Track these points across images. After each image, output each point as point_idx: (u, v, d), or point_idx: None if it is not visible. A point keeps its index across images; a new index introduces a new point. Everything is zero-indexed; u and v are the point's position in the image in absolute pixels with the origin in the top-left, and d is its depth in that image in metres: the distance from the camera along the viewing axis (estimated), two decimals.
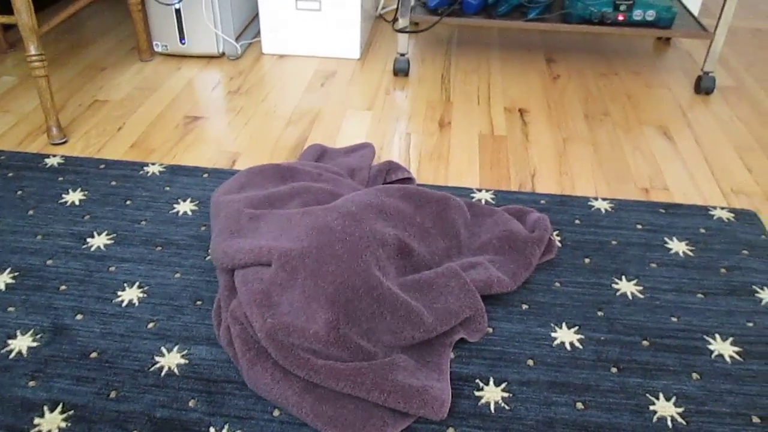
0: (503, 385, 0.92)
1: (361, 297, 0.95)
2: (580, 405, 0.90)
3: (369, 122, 1.63)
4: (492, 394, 0.91)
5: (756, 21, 2.38)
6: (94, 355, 0.95)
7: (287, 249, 1.00)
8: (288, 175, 1.26)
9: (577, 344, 1.00)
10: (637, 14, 1.74)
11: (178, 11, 1.84)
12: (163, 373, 0.93)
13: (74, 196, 1.30)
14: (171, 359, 0.95)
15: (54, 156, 1.43)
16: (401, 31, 1.80)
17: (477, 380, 0.93)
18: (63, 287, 1.08)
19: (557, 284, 1.11)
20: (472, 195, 1.33)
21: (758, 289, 1.11)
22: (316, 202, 1.17)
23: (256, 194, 1.17)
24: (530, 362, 0.96)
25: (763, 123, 1.67)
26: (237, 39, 1.95)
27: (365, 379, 0.86)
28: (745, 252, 1.19)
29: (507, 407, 0.89)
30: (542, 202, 1.32)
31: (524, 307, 1.06)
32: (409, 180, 1.35)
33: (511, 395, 0.91)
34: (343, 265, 0.97)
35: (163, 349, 0.97)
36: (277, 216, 1.13)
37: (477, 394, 0.91)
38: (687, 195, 1.37)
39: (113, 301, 1.05)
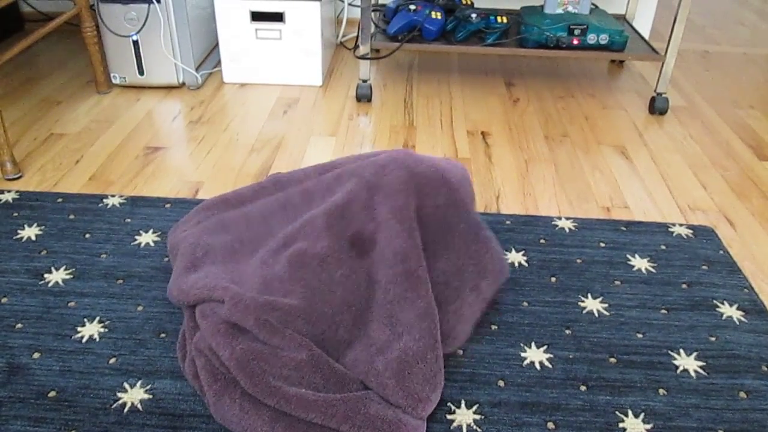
0: (475, 407, 0.92)
1: (324, 340, 0.94)
2: (551, 425, 0.90)
3: (333, 148, 1.63)
4: (464, 416, 0.91)
5: (703, 44, 2.48)
6: (52, 394, 0.92)
7: (237, 292, 0.97)
8: (234, 198, 1.25)
9: (547, 363, 1.00)
10: (591, 38, 1.79)
11: (135, 42, 1.83)
12: (126, 410, 0.90)
13: (30, 232, 1.27)
14: (134, 395, 0.92)
15: (8, 191, 1.39)
16: (362, 57, 1.82)
17: (449, 403, 0.92)
18: (19, 325, 1.04)
19: (525, 304, 1.12)
20: None
21: (718, 304, 1.13)
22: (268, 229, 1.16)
23: (209, 224, 1.16)
24: (501, 383, 0.96)
25: (714, 141, 1.73)
26: (197, 69, 1.94)
27: (336, 411, 0.85)
28: (704, 267, 1.22)
29: (479, 430, 0.89)
30: (507, 222, 1.33)
31: (493, 327, 1.06)
32: None
33: (482, 417, 0.90)
34: (302, 311, 0.96)
35: (126, 385, 0.94)
36: (230, 253, 1.11)
37: (449, 417, 0.90)
38: (647, 213, 1.40)
39: (72, 337, 1.02)
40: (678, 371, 0.99)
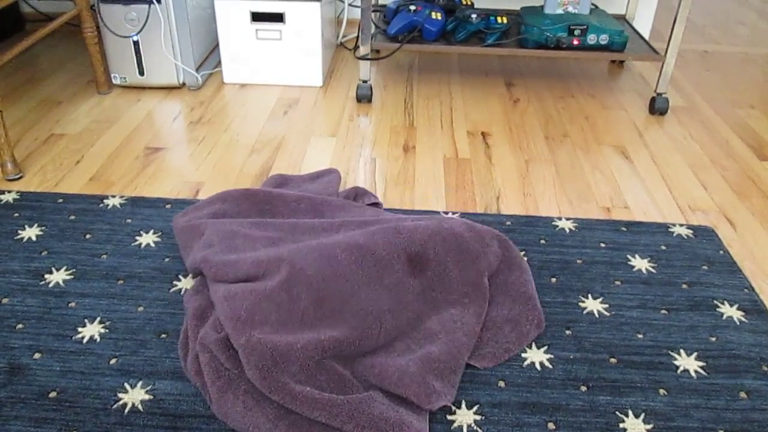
0: (475, 408, 0.92)
1: (355, 340, 0.95)
2: (551, 425, 0.90)
3: (333, 148, 1.63)
4: (464, 417, 0.91)
5: (703, 44, 2.47)
6: (53, 394, 0.92)
7: (295, 270, 0.99)
8: (265, 206, 1.25)
9: (547, 364, 1.00)
10: (591, 39, 1.79)
11: (136, 43, 1.83)
12: (126, 411, 0.90)
13: (31, 232, 1.27)
14: (135, 395, 0.92)
15: (9, 192, 1.39)
16: (363, 58, 1.82)
17: (450, 404, 0.92)
18: (20, 326, 1.04)
19: None
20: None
21: (719, 304, 1.13)
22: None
23: (250, 232, 1.16)
24: (501, 383, 0.96)
25: (714, 141, 1.73)
26: (197, 69, 1.94)
27: (340, 410, 0.85)
28: (704, 267, 1.22)
29: (480, 430, 0.89)
30: (508, 223, 1.33)
31: None
32: (376, 205, 1.35)
33: (483, 418, 0.91)
34: (344, 304, 0.97)
35: (127, 386, 0.94)
36: (276, 242, 1.12)
37: (450, 418, 0.91)
38: (647, 213, 1.40)
39: (73, 337, 1.02)
40: (678, 371, 0.99)
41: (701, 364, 1.01)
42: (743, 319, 1.10)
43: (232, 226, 1.14)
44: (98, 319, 1.06)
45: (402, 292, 1.03)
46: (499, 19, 1.87)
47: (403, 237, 1.08)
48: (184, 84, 1.94)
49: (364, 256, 1.03)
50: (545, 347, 1.03)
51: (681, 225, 1.35)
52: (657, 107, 1.85)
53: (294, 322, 0.94)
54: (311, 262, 1.01)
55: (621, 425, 0.90)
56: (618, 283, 1.18)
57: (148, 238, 1.25)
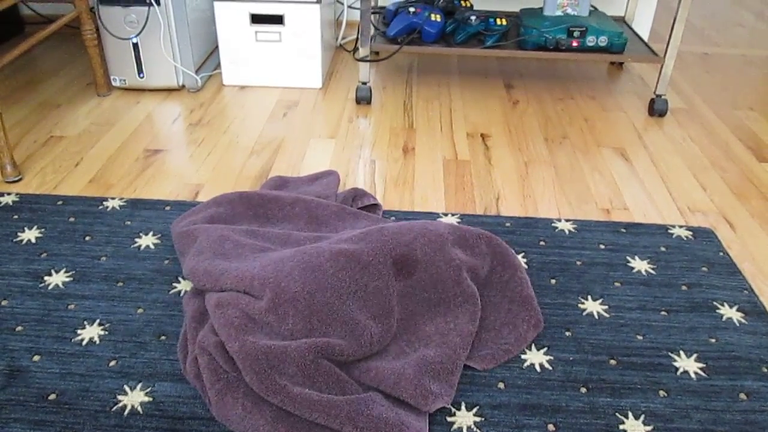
0: (475, 410, 0.92)
1: (346, 348, 0.95)
2: (551, 427, 0.90)
3: (333, 150, 1.63)
4: (464, 419, 0.91)
5: (702, 46, 2.48)
6: (52, 397, 0.92)
7: (279, 289, 0.98)
8: (260, 209, 1.25)
9: (547, 365, 1.00)
10: (590, 40, 1.80)
11: (135, 45, 1.83)
12: (126, 413, 0.90)
13: (30, 234, 1.27)
14: (134, 397, 0.92)
15: (8, 194, 1.39)
16: (362, 60, 1.82)
17: (449, 405, 0.92)
18: (19, 328, 1.04)
19: None
20: (438, 219, 1.33)
21: (718, 305, 1.13)
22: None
23: (240, 239, 1.16)
24: (501, 385, 0.96)
25: (713, 143, 1.73)
26: (197, 71, 1.94)
27: (339, 412, 0.85)
28: (704, 269, 1.22)
29: None
30: (507, 224, 1.33)
31: None
32: (375, 207, 1.35)
33: (483, 419, 0.90)
34: (333, 315, 0.97)
35: (126, 388, 0.94)
36: (265, 250, 1.12)
37: (449, 419, 0.90)
38: (646, 214, 1.40)
39: (73, 340, 1.02)
40: (678, 373, 0.99)
41: (701, 365, 1.01)
42: (743, 320, 1.10)
43: (223, 232, 1.14)
44: (98, 321, 1.06)
45: (388, 296, 1.02)
46: (498, 21, 1.87)
47: (387, 239, 1.08)
48: (183, 86, 1.94)
49: (349, 263, 1.02)
50: (545, 349, 1.03)
51: (680, 226, 1.35)
52: (656, 109, 1.85)
53: (285, 340, 0.94)
54: (296, 278, 1.00)
55: (621, 426, 0.90)
56: (617, 284, 1.18)
57: (147, 240, 1.25)
